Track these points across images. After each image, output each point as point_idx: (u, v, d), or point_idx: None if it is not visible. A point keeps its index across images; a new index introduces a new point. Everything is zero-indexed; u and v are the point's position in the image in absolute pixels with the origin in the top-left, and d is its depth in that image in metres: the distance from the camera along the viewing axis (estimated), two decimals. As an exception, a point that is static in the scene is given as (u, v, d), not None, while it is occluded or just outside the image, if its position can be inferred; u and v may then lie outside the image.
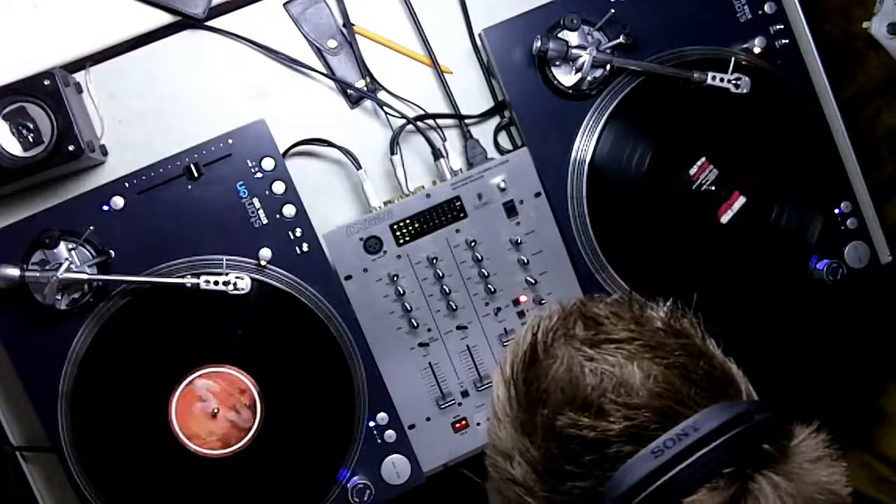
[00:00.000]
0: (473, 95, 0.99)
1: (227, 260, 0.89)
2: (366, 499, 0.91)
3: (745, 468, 0.51)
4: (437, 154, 0.94)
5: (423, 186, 0.95)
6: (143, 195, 0.88)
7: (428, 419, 0.94)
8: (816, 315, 1.03)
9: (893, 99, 1.03)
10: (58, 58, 0.91)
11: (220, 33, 0.95)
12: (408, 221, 0.91)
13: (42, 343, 0.87)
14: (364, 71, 0.97)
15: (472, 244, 0.92)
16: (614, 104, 0.94)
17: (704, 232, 0.97)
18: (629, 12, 0.94)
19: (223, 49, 0.96)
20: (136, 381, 0.88)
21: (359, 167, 0.93)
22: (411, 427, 0.94)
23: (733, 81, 0.93)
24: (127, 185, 0.88)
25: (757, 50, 0.97)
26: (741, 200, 0.96)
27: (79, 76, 0.93)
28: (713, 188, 0.96)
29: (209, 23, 0.95)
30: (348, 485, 0.92)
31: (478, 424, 0.94)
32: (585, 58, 0.91)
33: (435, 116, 0.97)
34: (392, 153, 0.94)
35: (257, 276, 0.89)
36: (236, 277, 0.86)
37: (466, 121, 0.98)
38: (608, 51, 0.93)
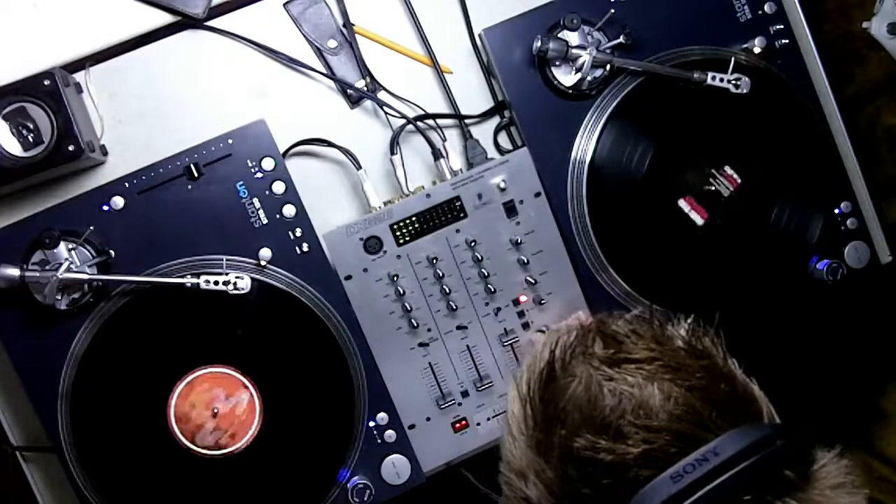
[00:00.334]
0: (473, 95, 0.99)
1: (227, 260, 0.89)
2: (366, 499, 0.91)
3: (765, 495, 0.50)
4: (437, 154, 0.94)
5: (423, 186, 0.95)
6: (143, 195, 0.88)
7: (428, 419, 0.94)
8: (816, 315, 1.03)
9: (893, 99, 1.03)
10: (58, 58, 0.91)
11: (220, 33, 0.95)
12: (408, 221, 0.91)
13: (42, 343, 0.87)
14: (364, 71, 0.97)
15: (472, 244, 0.92)
16: (614, 104, 0.94)
17: (704, 232, 0.97)
18: (629, 12, 0.94)
19: (223, 49, 0.96)
20: (136, 381, 0.88)
21: (359, 167, 0.93)
22: (411, 427, 0.94)
23: (733, 81, 0.93)
24: (127, 185, 0.88)
25: (757, 50, 0.97)
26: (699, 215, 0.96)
27: (79, 76, 0.93)
28: (713, 188, 0.96)
29: (209, 23, 0.95)
30: (348, 485, 0.92)
31: (478, 425, 0.95)
32: (585, 58, 0.91)
33: (435, 116, 0.97)
34: (392, 153, 0.94)
35: (257, 276, 0.89)
36: (236, 277, 0.86)
37: (466, 121, 0.98)
38: (608, 51, 0.93)
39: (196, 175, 0.89)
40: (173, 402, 0.89)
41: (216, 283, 0.85)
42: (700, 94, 0.94)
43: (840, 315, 1.10)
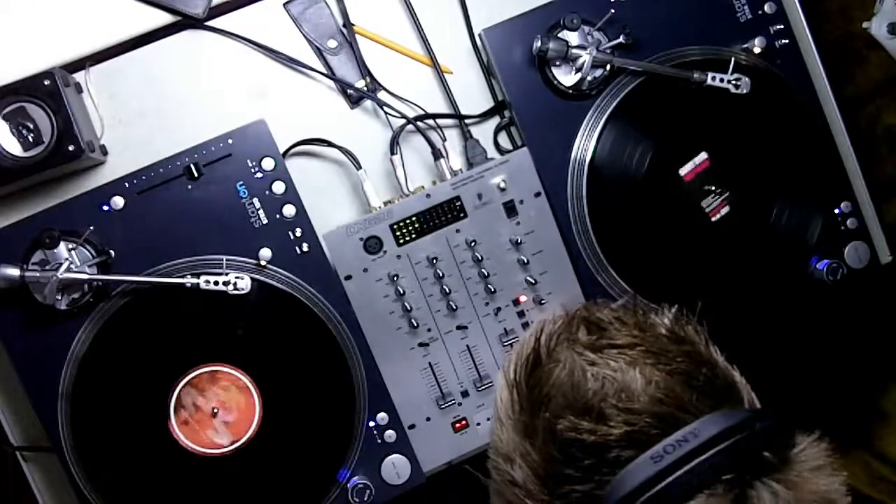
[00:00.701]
0: (473, 95, 0.99)
1: (227, 260, 0.89)
2: (366, 499, 0.91)
3: (744, 475, 0.51)
4: (437, 154, 0.94)
5: (423, 186, 0.95)
6: (143, 195, 0.88)
7: (428, 419, 0.94)
8: (816, 315, 1.03)
9: (893, 99, 1.03)
10: (58, 58, 0.91)
11: (220, 33, 0.95)
12: (408, 221, 0.91)
13: (42, 343, 0.87)
14: (364, 71, 0.97)
15: (472, 244, 0.92)
16: (614, 104, 0.94)
17: (704, 232, 0.97)
18: (629, 12, 0.94)
19: (223, 49, 0.96)
20: (136, 381, 0.89)
21: (359, 167, 0.93)
22: (411, 427, 0.94)
23: (733, 81, 0.93)
24: (127, 185, 0.88)
25: (757, 50, 0.97)
26: (726, 209, 0.96)
27: (79, 76, 0.93)
28: (713, 188, 0.96)
29: (209, 23, 0.95)
30: (348, 485, 0.92)
31: (478, 424, 0.95)
32: (585, 58, 0.91)
33: (435, 116, 0.97)
34: (392, 153, 0.94)
35: (257, 276, 0.89)
36: (236, 277, 0.86)
37: (466, 121, 0.98)
38: (608, 51, 0.93)
39: (196, 175, 0.89)
40: (173, 401, 0.89)
41: (216, 283, 0.85)
42: (700, 94, 0.94)
43: (840, 315, 1.10)
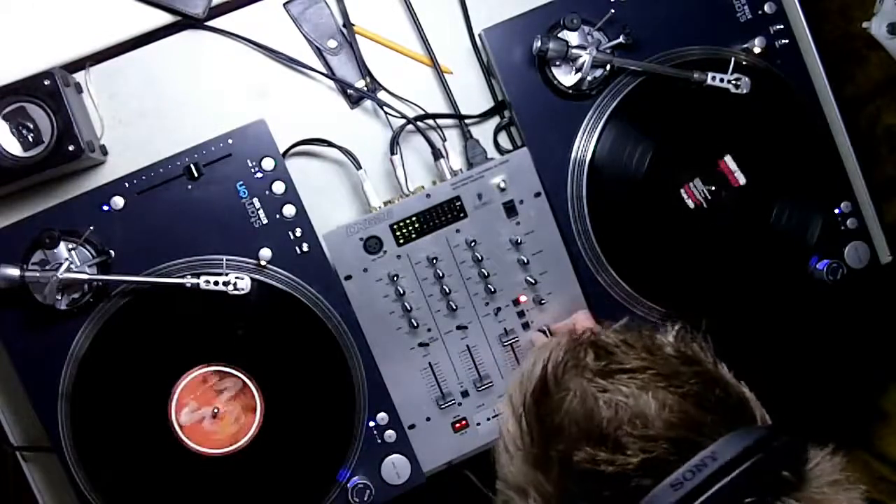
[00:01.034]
0: (473, 95, 0.99)
1: (227, 260, 0.89)
2: (366, 499, 0.91)
3: (765, 497, 0.50)
4: (437, 154, 0.94)
5: (423, 186, 0.95)
6: (143, 195, 0.88)
7: (428, 419, 0.94)
8: (816, 315, 1.03)
9: (893, 99, 1.03)
10: (58, 58, 0.91)
11: (220, 33, 0.95)
12: (408, 221, 0.91)
13: (42, 343, 0.87)
14: (364, 71, 0.97)
15: (472, 244, 0.92)
16: (614, 104, 0.94)
17: (704, 232, 0.97)
18: (629, 12, 0.94)
19: (223, 49, 0.96)
20: (136, 381, 0.89)
21: (359, 167, 0.93)
22: (411, 427, 0.94)
23: (733, 81, 0.93)
24: (127, 185, 0.88)
25: (757, 50, 0.97)
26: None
27: (79, 76, 0.93)
28: (713, 188, 0.96)
29: (209, 23, 0.95)
30: (348, 485, 0.92)
31: (478, 425, 0.95)
32: (585, 58, 0.91)
33: (435, 116, 0.97)
34: (392, 153, 0.94)
35: (257, 276, 0.89)
36: (236, 277, 0.86)
37: (466, 121, 0.98)
38: (608, 51, 0.93)
39: (196, 175, 0.89)
40: (174, 401, 0.89)
41: (216, 283, 0.85)
42: (700, 94, 0.94)
43: (840, 315, 1.10)
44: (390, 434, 0.93)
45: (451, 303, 0.92)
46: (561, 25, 0.92)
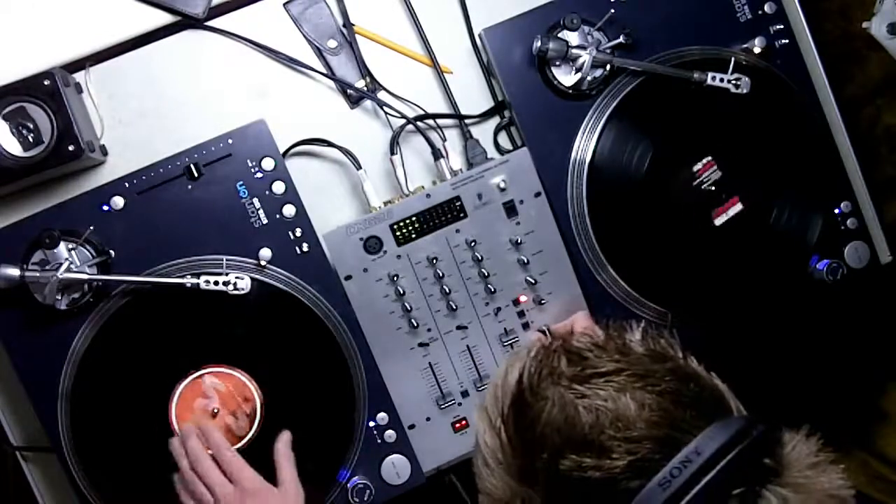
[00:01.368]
0: (473, 95, 0.99)
1: (227, 260, 0.89)
2: (366, 499, 0.92)
3: (752, 486, 0.51)
4: (437, 154, 0.94)
5: (423, 186, 0.95)
6: (143, 195, 0.88)
7: (428, 419, 0.94)
8: (816, 315, 1.03)
9: (893, 99, 1.03)
10: (58, 58, 0.91)
11: (220, 33, 0.95)
12: (408, 221, 0.91)
13: (42, 343, 0.87)
14: (364, 71, 0.97)
15: (472, 244, 0.92)
16: (614, 104, 0.94)
17: (704, 232, 0.97)
18: (629, 12, 0.95)
19: (223, 49, 0.96)
20: (135, 381, 0.89)
21: (359, 167, 0.93)
22: (411, 427, 0.94)
23: (733, 81, 0.93)
24: (127, 185, 0.88)
25: (757, 50, 0.97)
26: (738, 207, 0.96)
27: (79, 76, 0.93)
28: (713, 188, 0.96)
29: (209, 23, 0.95)
30: (348, 485, 0.92)
31: (478, 424, 0.94)
32: (585, 58, 0.91)
33: (435, 116, 0.97)
34: (392, 153, 0.94)
35: (257, 276, 0.89)
36: (236, 277, 0.86)
37: (466, 121, 0.98)
38: (608, 51, 0.93)
39: (196, 175, 0.89)
40: (174, 401, 0.89)
41: (216, 283, 0.85)
42: (700, 94, 0.94)
43: (840, 315, 1.10)
44: (390, 434, 0.93)
45: (451, 303, 0.92)
46: (561, 25, 0.92)
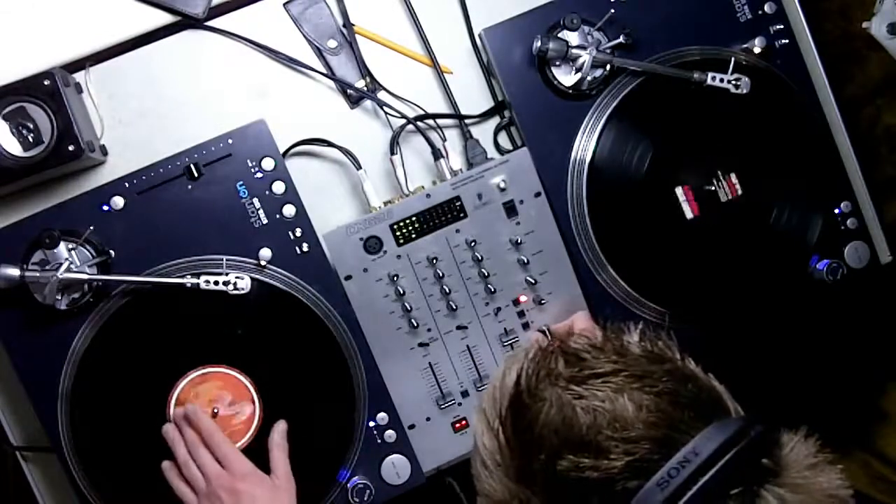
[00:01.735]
0: (473, 95, 0.99)
1: (227, 260, 0.89)
2: (366, 499, 0.92)
3: (750, 486, 0.51)
4: (437, 154, 0.94)
5: (423, 186, 0.95)
6: (143, 195, 0.88)
7: (428, 419, 0.94)
8: (816, 315, 1.03)
9: (893, 99, 1.03)
10: (58, 58, 0.91)
11: (220, 33, 0.95)
12: (408, 221, 0.91)
13: (42, 343, 0.87)
14: (364, 71, 0.97)
15: (472, 244, 0.92)
16: (614, 104, 0.94)
17: (704, 232, 0.97)
18: (629, 12, 0.94)
19: (223, 49, 0.96)
20: (135, 381, 0.89)
21: (359, 167, 0.93)
22: (411, 427, 0.94)
23: (733, 82, 0.93)
24: (127, 185, 0.88)
25: (757, 50, 0.97)
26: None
27: (79, 76, 0.93)
28: (713, 188, 0.96)
29: (209, 23, 0.95)
30: (348, 485, 0.92)
31: (478, 424, 0.94)
32: (585, 58, 0.91)
33: (435, 116, 0.97)
34: (392, 153, 0.94)
35: (257, 276, 0.89)
36: (236, 277, 0.86)
37: (466, 121, 0.98)
38: (608, 51, 0.93)
39: (196, 175, 0.89)
40: (174, 401, 0.89)
41: (216, 283, 0.85)
42: (700, 94, 0.94)
43: (840, 315, 1.10)
44: (390, 434, 0.93)
45: (451, 303, 0.92)
46: (561, 25, 0.92)
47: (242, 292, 0.86)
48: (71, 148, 0.85)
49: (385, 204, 0.93)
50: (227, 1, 0.96)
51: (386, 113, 0.96)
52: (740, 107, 0.95)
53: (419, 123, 0.95)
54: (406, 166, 0.94)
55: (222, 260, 0.89)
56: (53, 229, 0.84)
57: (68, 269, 0.83)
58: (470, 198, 0.92)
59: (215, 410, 0.89)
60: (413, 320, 0.92)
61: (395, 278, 0.91)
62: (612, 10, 0.93)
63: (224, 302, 0.87)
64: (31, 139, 0.86)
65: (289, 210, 0.90)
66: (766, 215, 0.98)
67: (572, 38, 0.93)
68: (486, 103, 1.00)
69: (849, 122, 1.03)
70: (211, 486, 0.83)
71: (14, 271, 0.83)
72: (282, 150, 0.92)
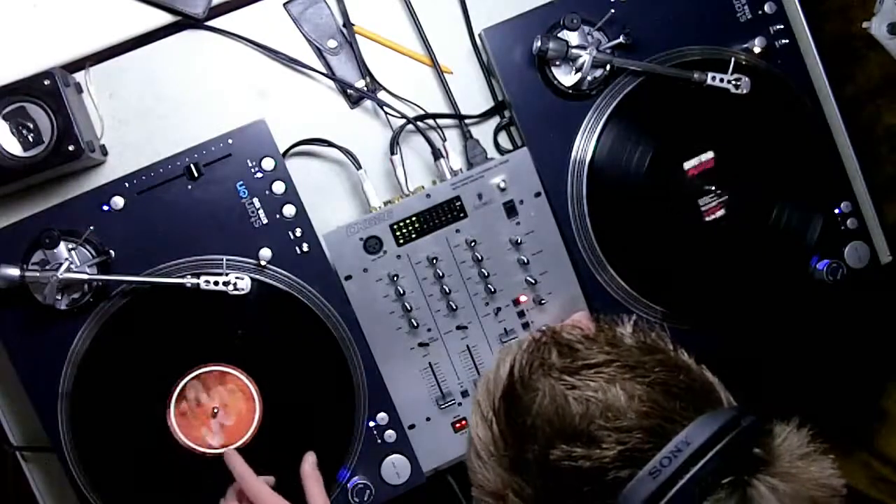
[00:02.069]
0: (473, 95, 0.99)
1: (227, 260, 0.89)
2: (366, 499, 0.92)
3: (741, 475, 0.52)
4: (437, 154, 0.94)
5: (423, 186, 0.95)
6: (143, 195, 0.88)
7: (428, 419, 0.94)
8: (816, 315, 1.03)
9: (893, 99, 1.03)
10: (58, 58, 0.90)
11: (220, 33, 0.95)
12: (408, 221, 0.91)
13: (42, 343, 0.87)
14: (364, 71, 0.97)
15: (472, 244, 0.92)
16: (614, 104, 0.94)
17: (704, 232, 0.97)
18: (629, 12, 0.94)
19: (223, 49, 0.96)
20: (135, 381, 0.89)
21: (359, 167, 0.93)
22: (411, 427, 0.94)
23: (733, 82, 0.93)
24: (127, 185, 0.88)
25: (757, 50, 0.97)
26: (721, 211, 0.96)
27: (79, 76, 0.93)
28: (713, 187, 0.96)
29: (209, 23, 0.95)
30: (348, 485, 0.92)
31: (478, 424, 0.94)
32: (585, 58, 0.91)
33: (435, 116, 0.97)
34: (392, 153, 0.94)
35: (257, 276, 0.89)
36: (236, 277, 0.86)
37: (466, 121, 0.98)
38: (608, 51, 0.93)
39: (196, 175, 0.89)
40: (173, 401, 0.89)
41: (216, 283, 0.85)
42: (700, 94, 0.94)
43: (840, 315, 1.10)
44: (390, 434, 0.93)
45: (451, 303, 0.92)
46: (561, 25, 0.92)
47: (242, 292, 0.86)
48: (71, 148, 0.85)
49: (385, 204, 0.93)
50: (227, 1, 0.96)
51: (386, 113, 0.96)
52: (740, 107, 0.95)
53: (419, 123, 0.95)
54: (406, 166, 0.94)
55: (222, 260, 0.89)
56: (53, 229, 0.84)
57: (68, 269, 0.83)
58: (470, 198, 0.92)
59: (215, 410, 0.89)
60: (413, 320, 0.92)
61: (395, 278, 0.91)
62: (612, 10, 0.93)
63: (224, 302, 0.87)
64: (31, 139, 0.86)
65: (289, 210, 0.90)
66: (766, 215, 0.98)
67: (572, 38, 0.93)
68: (486, 103, 1.00)
69: (849, 122, 1.03)
70: None
71: (14, 271, 0.83)
72: (282, 150, 0.92)
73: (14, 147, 0.86)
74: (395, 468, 0.93)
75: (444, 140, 0.96)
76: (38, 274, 0.83)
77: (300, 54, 0.97)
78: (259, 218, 0.90)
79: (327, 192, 0.97)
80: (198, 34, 0.95)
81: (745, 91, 0.93)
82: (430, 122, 0.97)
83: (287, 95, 0.97)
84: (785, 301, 0.99)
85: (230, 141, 0.89)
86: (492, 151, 1.00)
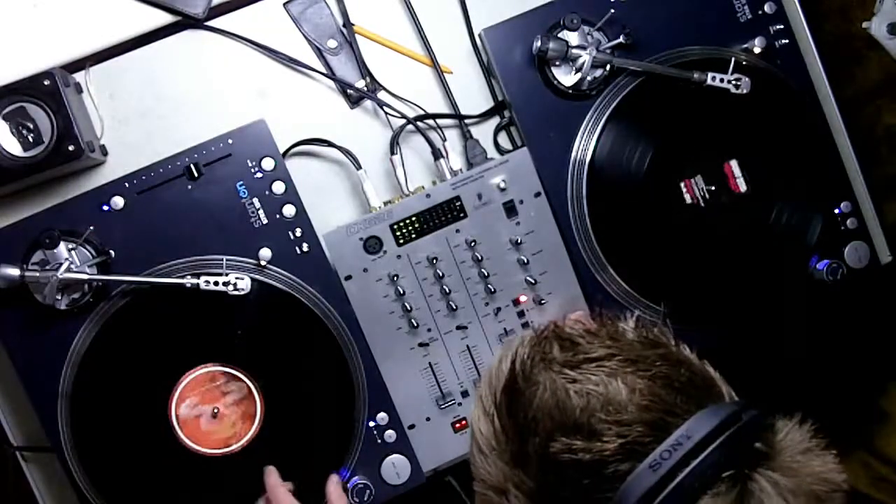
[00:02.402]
0: (473, 95, 0.99)
1: (227, 260, 0.89)
2: (366, 499, 0.92)
3: (742, 469, 0.52)
4: (437, 154, 0.94)
5: (423, 186, 0.95)
6: (143, 195, 0.88)
7: (428, 419, 0.94)
8: (816, 315, 1.03)
9: (893, 99, 1.03)
10: (58, 58, 0.90)
11: (220, 33, 0.95)
12: (408, 221, 0.91)
13: (42, 343, 0.87)
14: (364, 71, 0.97)
15: (472, 244, 0.92)
16: (614, 104, 0.94)
17: (704, 232, 0.97)
18: (629, 12, 0.94)
19: (223, 49, 0.96)
20: (136, 381, 0.89)
21: (359, 167, 0.93)
22: (411, 427, 0.94)
23: (733, 82, 0.93)
24: (127, 185, 0.88)
25: (757, 50, 0.97)
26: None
27: (79, 76, 0.93)
28: (713, 188, 0.96)
29: (209, 23, 0.95)
30: (348, 485, 0.92)
31: (478, 424, 0.94)
32: (585, 58, 0.91)
33: (435, 116, 0.97)
34: (392, 153, 0.94)
35: (257, 276, 0.89)
36: (236, 277, 0.86)
37: (466, 121, 0.98)
38: (608, 51, 0.93)
39: (196, 175, 0.89)
40: (174, 401, 0.89)
41: (216, 283, 0.85)
42: (700, 94, 0.94)
43: (840, 315, 1.10)
44: (390, 434, 0.93)
45: (451, 303, 0.92)
46: (561, 25, 0.92)
47: (242, 292, 0.86)
48: (71, 148, 0.85)
49: (385, 204, 0.93)
50: (227, 1, 0.96)
51: (386, 113, 0.96)
52: (740, 107, 0.95)
53: (419, 123, 0.95)
54: (406, 166, 0.94)
55: (222, 260, 0.89)
56: (53, 229, 0.84)
57: (68, 269, 0.83)
58: (470, 198, 0.92)
59: (216, 410, 0.89)
60: (413, 320, 0.92)
61: (395, 278, 0.91)
62: (612, 10, 0.93)
63: (224, 302, 0.87)
64: (31, 139, 0.86)
65: (289, 210, 0.90)
66: (766, 215, 0.98)
67: (572, 38, 0.93)
68: (486, 103, 1.00)
69: (849, 122, 1.03)
70: None
71: (14, 271, 0.83)
72: (282, 150, 0.92)
73: (14, 147, 0.86)
74: (395, 468, 0.93)
75: (444, 140, 0.96)
76: (38, 274, 0.83)
77: (300, 54, 0.97)
78: (259, 218, 0.90)
79: (327, 192, 0.97)
80: (198, 34, 0.95)
81: (745, 91, 0.93)
82: (430, 122, 0.97)
83: (287, 95, 0.97)
84: (785, 301, 0.99)
85: (230, 141, 0.89)
86: (492, 151, 1.00)
